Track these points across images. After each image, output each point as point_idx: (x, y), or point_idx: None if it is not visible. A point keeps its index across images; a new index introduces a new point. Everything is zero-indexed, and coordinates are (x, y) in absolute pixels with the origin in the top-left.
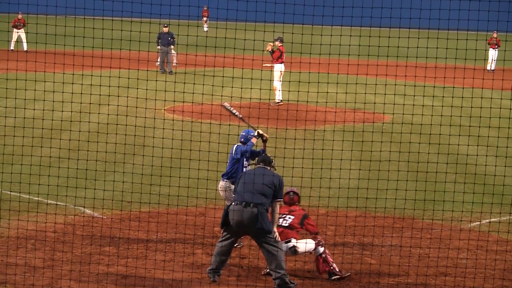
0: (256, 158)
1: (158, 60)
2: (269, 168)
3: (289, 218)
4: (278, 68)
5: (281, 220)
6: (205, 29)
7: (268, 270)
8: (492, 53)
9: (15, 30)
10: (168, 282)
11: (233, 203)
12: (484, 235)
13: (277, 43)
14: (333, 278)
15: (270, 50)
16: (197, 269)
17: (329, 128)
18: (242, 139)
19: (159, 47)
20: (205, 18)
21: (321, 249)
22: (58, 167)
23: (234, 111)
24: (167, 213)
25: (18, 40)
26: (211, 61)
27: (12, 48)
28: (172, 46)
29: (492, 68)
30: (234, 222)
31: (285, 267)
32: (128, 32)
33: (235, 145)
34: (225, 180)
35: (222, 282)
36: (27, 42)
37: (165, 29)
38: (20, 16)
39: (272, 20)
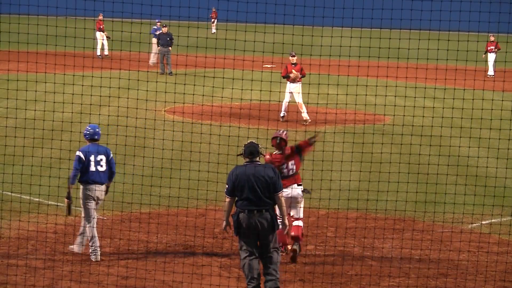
0: (243, 149)
1: (151, 60)
2: (258, 158)
3: (292, 164)
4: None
5: (286, 171)
6: (213, 30)
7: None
8: (490, 57)
9: (100, 34)
10: (168, 283)
11: (240, 213)
12: (485, 237)
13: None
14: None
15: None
16: (197, 270)
17: (330, 129)
18: (87, 137)
19: (158, 47)
20: (213, 20)
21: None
22: (58, 168)
23: None
24: (168, 214)
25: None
26: (212, 62)
27: (99, 54)
28: (170, 48)
29: (492, 74)
30: (248, 228)
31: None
32: (128, 33)
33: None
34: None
35: (222, 284)
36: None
37: (164, 29)
38: (101, 17)
39: (272, 21)
